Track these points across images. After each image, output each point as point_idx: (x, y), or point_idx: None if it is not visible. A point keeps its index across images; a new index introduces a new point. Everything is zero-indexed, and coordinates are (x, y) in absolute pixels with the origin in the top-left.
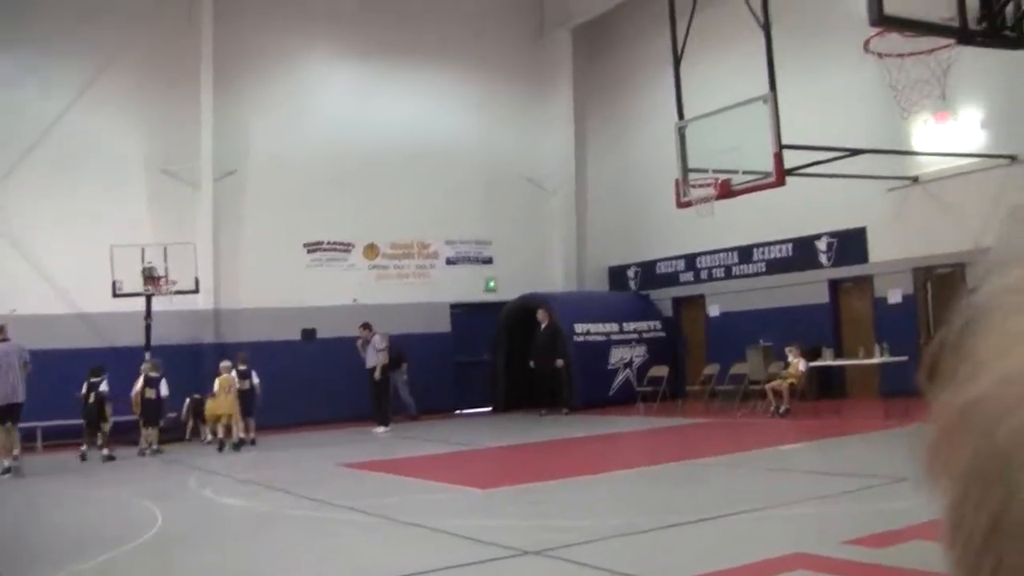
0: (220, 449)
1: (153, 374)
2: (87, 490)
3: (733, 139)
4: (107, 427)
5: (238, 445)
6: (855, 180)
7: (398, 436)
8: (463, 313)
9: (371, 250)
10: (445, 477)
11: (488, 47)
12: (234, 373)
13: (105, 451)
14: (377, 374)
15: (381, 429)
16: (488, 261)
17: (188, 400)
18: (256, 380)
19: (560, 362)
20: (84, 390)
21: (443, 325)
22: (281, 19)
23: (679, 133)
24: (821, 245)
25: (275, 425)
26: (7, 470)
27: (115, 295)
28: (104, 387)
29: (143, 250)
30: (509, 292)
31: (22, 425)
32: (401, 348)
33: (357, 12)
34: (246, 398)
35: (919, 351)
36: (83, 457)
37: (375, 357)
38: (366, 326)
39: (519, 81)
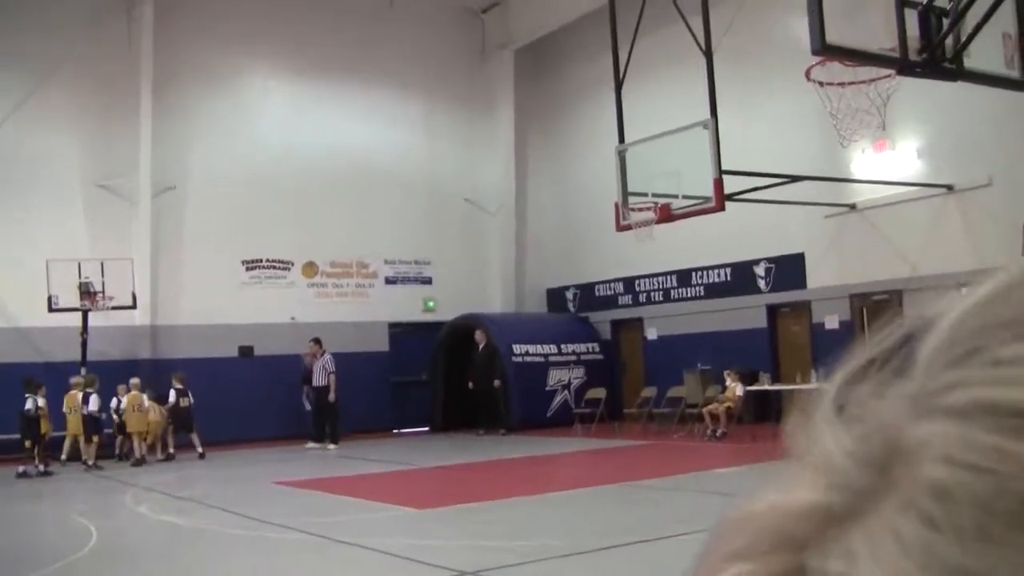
0: (135, 464)
1: (88, 389)
2: (20, 505)
3: (673, 163)
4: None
5: (139, 462)
6: (794, 206)
7: (334, 454)
8: (401, 333)
9: (310, 268)
10: (382, 496)
11: (430, 67)
12: (172, 392)
13: (40, 467)
14: (332, 396)
15: (331, 447)
16: (427, 281)
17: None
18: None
19: (497, 382)
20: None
21: (381, 344)
22: (222, 36)
23: (619, 156)
24: (759, 270)
25: (211, 442)
26: None
27: (51, 310)
28: (29, 404)
29: (80, 265)
30: (448, 312)
31: None
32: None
33: (299, 31)
34: (184, 415)
35: None
36: (20, 474)
37: (325, 377)
38: (317, 341)
39: (460, 102)
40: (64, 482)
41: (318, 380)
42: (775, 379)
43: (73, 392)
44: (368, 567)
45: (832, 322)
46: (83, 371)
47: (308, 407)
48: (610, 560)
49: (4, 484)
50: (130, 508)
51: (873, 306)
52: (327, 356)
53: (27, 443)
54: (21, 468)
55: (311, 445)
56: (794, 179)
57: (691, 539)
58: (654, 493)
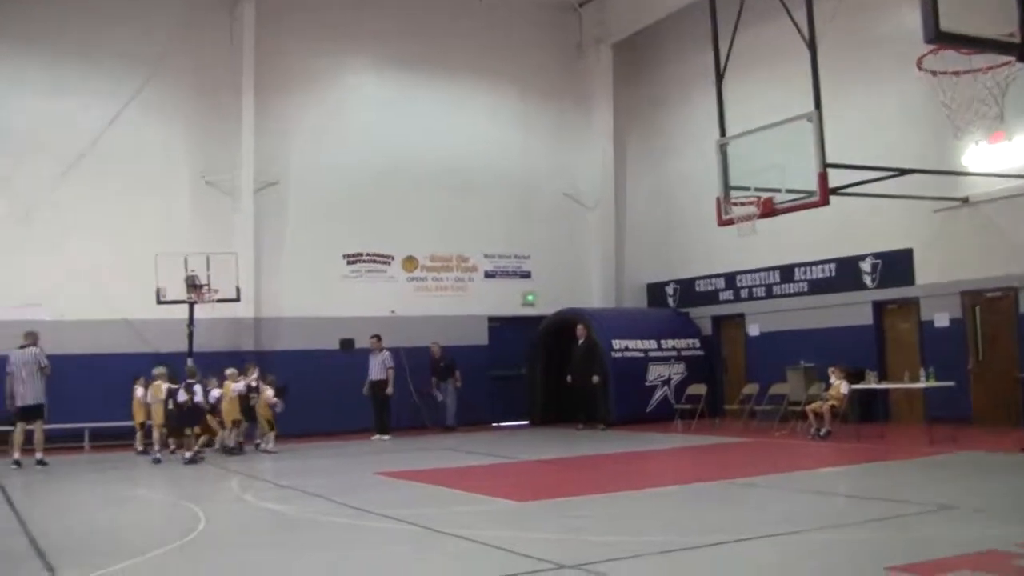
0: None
1: (189, 379)
2: (130, 491)
3: (776, 157)
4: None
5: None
6: (901, 200)
7: (435, 446)
8: (500, 326)
9: (410, 262)
10: (482, 488)
11: (527, 62)
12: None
13: (188, 454)
14: (390, 389)
15: (386, 437)
16: (526, 275)
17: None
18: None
19: (596, 378)
20: (163, 395)
21: (480, 338)
22: (323, 33)
23: (721, 150)
24: (865, 266)
25: (312, 433)
26: (17, 463)
27: (159, 302)
28: (182, 394)
29: (186, 259)
30: (546, 307)
31: (68, 425)
32: (454, 359)
33: (398, 26)
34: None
35: (967, 376)
36: (157, 460)
37: (382, 372)
38: (377, 337)
39: (558, 96)
40: (169, 469)
41: (377, 374)
42: (882, 377)
43: (157, 383)
44: (470, 558)
45: (942, 320)
46: (189, 362)
47: (440, 397)
48: (711, 557)
49: (113, 467)
50: (236, 495)
51: (986, 303)
52: (386, 352)
53: (187, 431)
54: (188, 454)
55: (383, 438)
56: (903, 172)
57: (795, 539)
58: (757, 491)
